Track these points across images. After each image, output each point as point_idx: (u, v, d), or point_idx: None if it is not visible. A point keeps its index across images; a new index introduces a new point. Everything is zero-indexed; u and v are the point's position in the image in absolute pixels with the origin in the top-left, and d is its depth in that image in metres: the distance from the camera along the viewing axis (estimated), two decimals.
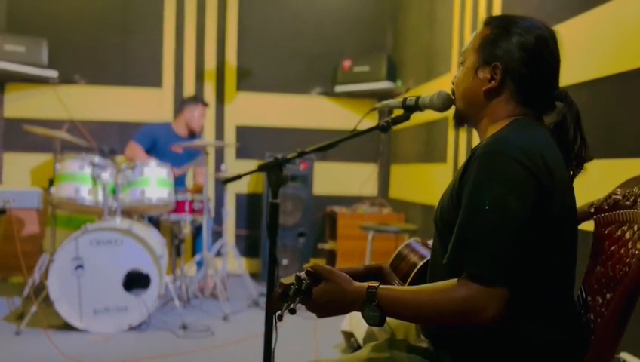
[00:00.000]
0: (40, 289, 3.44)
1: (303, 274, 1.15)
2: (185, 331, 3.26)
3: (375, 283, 1.12)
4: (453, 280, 1.08)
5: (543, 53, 1.21)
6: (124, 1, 4.88)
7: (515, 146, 1.10)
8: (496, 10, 3.20)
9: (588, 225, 1.35)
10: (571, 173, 1.25)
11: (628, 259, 1.17)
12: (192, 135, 4.33)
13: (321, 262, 4.89)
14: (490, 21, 1.27)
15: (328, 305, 1.14)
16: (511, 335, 1.12)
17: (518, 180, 1.07)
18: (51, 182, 3.47)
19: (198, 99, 4.34)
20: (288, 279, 1.16)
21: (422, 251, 1.41)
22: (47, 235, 3.78)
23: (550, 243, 1.12)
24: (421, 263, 1.38)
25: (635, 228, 1.19)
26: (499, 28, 1.23)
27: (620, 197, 1.27)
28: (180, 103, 4.45)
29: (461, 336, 1.16)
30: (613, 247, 1.25)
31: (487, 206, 1.07)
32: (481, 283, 1.04)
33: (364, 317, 1.11)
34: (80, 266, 3.18)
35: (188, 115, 4.25)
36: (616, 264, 1.21)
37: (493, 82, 1.22)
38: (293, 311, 1.10)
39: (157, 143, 4.19)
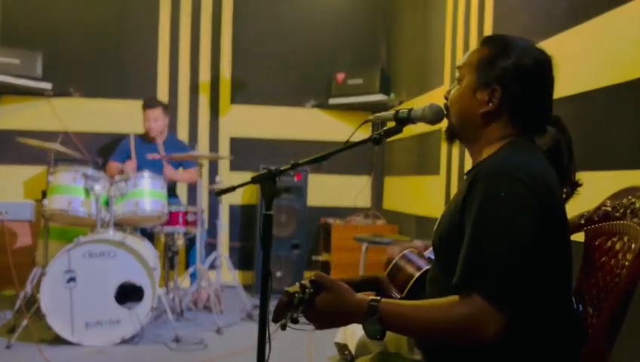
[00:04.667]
0: (32, 302, 3.41)
1: (307, 282, 1.16)
2: (178, 344, 3.24)
3: (377, 297, 1.12)
4: (455, 297, 1.08)
5: (539, 76, 1.23)
6: (119, 14, 4.90)
7: (519, 167, 1.12)
8: (488, 24, 3.24)
9: (579, 237, 1.36)
10: (564, 195, 1.26)
11: (618, 270, 1.18)
12: (168, 135, 4.35)
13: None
14: (489, 41, 1.29)
15: (329, 316, 1.14)
16: (507, 346, 1.12)
17: (524, 202, 1.09)
18: (44, 194, 3.45)
19: (143, 103, 4.27)
20: (293, 288, 1.16)
21: (418, 262, 1.42)
22: (40, 248, 3.75)
23: (551, 261, 1.14)
24: (417, 275, 1.38)
25: (625, 239, 1.21)
26: (497, 48, 1.24)
27: (610, 209, 1.28)
28: None
29: (456, 349, 1.16)
30: (603, 258, 1.26)
31: (495, 225, 1.09)
32: (488, 302, 1.05)
33: (365, 330, 1.11)
34: (72, 279, 3.16)
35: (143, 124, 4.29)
36: (607, 275, 1.22)
37: (491, 105, 1.23)
38: (295, 321, 1.10)
39: (131, 155, 4.20)
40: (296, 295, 1.13)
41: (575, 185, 1.28)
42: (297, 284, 1.16)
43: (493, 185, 1.11)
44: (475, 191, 1.13)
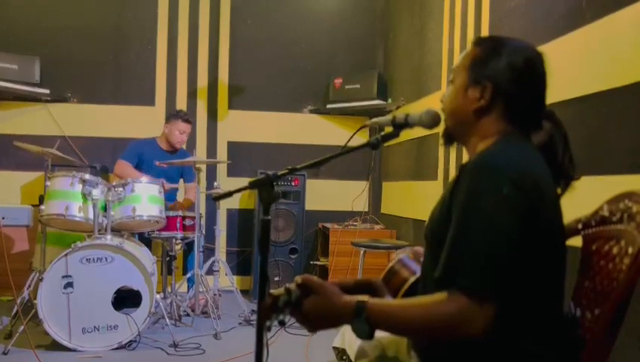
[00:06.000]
0: (29, 307, 3.39)
1: (292, 285, 1.16)
2: (175, 349, 3.23)
3: (365, 297, 1.13)
4: (442, 294, 1.09)
5: (532, 73, 1.24)
6: (117, 20, 4.91)
7: (505, 161, 1.12)
8: (485, 29, 3.25)
9: (576, 241, 1.37)
10: (559, 191, 1.27)
11: (615, 274, 1.18)
12: (175, 150, 4.33)
13: None
14: (480, 41, 1.30)
15: (317, 318, 1.15)
16: (500, 350, 1.12)
17: (508, 195, 1.08)
18: (41, 199, 3.44)
19: (179, 115, 4.28)
20: (278, 291, 1.17)
21: (413, 267, 1.42)
22: (37, 253, 3.74)
23: (538, 258, 1.14)
24: (412, 278, 1.38)
25: (622, 243, 1.21)
26: (488, 48, 1.25)
27: (607, 214, 1.28)
28: (166, 117, 4.45)
29: (451, 352, 1.17)
30: (601, 263, 1.26)
31: (477, 220, 1.09)
32: (471, 298, 1.05)
33: (354, 330, 1.12)
34: (69, 284, 3.15)
35: (167, 130, 4.27)
36: (604, 279, 1.22)
37: (482, 101, 1.24)
38: (282, 323, 1.10)
39: (143, 159, 4.20)
40: (281, 297, 1.13)
41: (569, 179, 1.28)
42: (282, 288, 1.16)
43: (479, 179, 1.11)
44: (462, 185, 1.13)
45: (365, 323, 1.10)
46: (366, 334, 1.11)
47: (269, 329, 1.11)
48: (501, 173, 1.10)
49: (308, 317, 1.14)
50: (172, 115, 4.33)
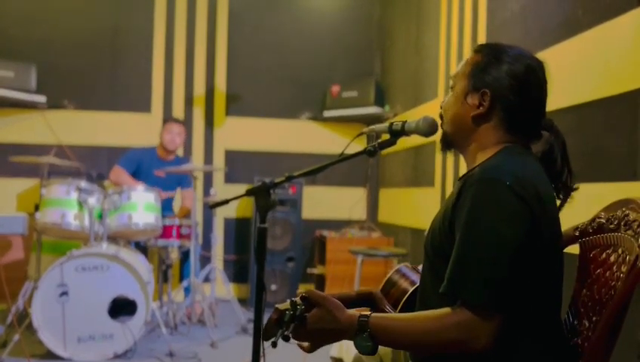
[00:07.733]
0: (24, 316, 3.37)
1: (297, 299, 1.14)
2: (172, 358, 3.20)
3: (367, 312, 1.11)
4: (447, 309, 1.08)
5: (532, 82, 1.23)
6: (114, 27, 4.92)
7: (509, 174, 1.12)
8: (482, 37, 3.26)
9: (573, 249, 1.36)
10: (558, 202, 1.26)
11: (613, 283, 1.18)
12: (175, 156, 4.35)
13: (310, 287, 4.85)
14: (481, 49, 1.30)
15: (319, 332, 1.12)
16: (500, 359, 1.11)
17: (512, 208, 1.08)
18: (37, 208, 3.43)
19: (166, 118, 4.50)
20: (284, 305, 1.15)
21: (412, 277, 1.42)
22: (32, 261, 3.72)
23: (539, 270, 1.13)
24: (411, 289, 1.38)
25: (620, 251, 1.21)
26: (489, 55, 1.25)
27: (604, 221, 1.28)
28: None
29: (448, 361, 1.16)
30: (598, 271, 1.26)
31: (481, 234, 1.08)
32: (476, 312, 1.05)
33: (357, 346, 1.10)
34: (64, 293, 3.12)
35: (161, 137, 4.29)
36: (602, 287, 1.22)
37: (481, 108, 1.23)
38: (287, 338, 1.08)
39: (141, 167, 4.19)
40: (287, 312, 1.11)
41: (569, 190, 1.28)
42: (288, 301, 1.14)
43: (482, 192, 1.11)
44: (465, 197, 1.13)
45: (369, 339, 1.08)
46: (369, 350, 1.09)
47: (274, 346, 1.09)
48: (504, 185, 1.10)
49: (310, 331, 1.12)
50: (163, 121, 4.49)
